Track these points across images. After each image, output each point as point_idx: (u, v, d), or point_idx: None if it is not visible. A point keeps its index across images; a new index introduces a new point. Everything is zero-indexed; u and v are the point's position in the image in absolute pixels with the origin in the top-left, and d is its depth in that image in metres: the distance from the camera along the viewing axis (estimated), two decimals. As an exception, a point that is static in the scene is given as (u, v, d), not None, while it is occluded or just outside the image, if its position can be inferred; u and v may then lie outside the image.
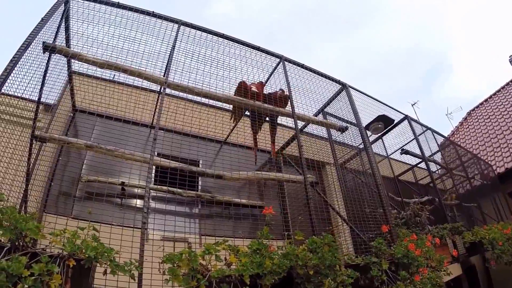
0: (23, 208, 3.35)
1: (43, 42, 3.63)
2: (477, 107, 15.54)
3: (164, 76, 4.19)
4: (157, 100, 4.49)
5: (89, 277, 2.10)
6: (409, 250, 3.98)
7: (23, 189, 3.40)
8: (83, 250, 2.05)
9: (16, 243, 1.94)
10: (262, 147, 5.69)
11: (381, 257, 3.87)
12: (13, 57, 3.13)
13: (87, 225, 2.29)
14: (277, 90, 5.20)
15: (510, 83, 14.92)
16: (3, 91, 2.96)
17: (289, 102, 5.02)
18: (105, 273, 2.17)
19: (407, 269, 3.93)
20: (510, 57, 15.01)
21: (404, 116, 8.04)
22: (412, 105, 12.09)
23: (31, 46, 3.35)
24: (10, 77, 3.01)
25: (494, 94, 15.04)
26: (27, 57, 3.30)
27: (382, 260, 3.78)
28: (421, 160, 8.33)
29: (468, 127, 14.91)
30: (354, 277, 3.34)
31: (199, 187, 5.38)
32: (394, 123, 7.79)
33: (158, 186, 4.67)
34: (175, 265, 2.41)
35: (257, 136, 5.51)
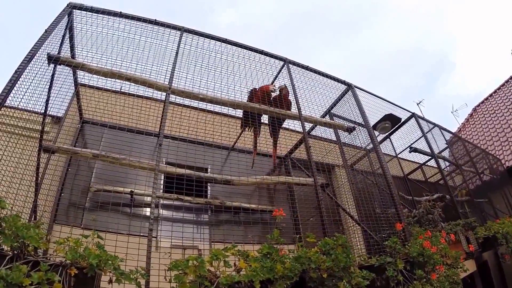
0: (32, 218, 3.31)
1: (48, 53, 3.62)
2: (482, 102, 15.37)
3: (168, 83, 4.16)
4: (163, 107, 4.47)
5: (94, 286, 2.02)
6: (425, 248, 3.86)
7: (33, 199, 3.37)
8: (86, 258, 1.97)
9: (17, 252, 1.88)
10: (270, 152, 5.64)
11: (395, 256, 3.76)
12: (17, 69, 3.10)
13: (91, 233, 2.23)
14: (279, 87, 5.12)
15: (513, 76, 14.75)
16: (9, 103, 2.93)
17: (292, 104, 4.96)
18: (110, 281, 2.09)
19: (423, 268, 3.81)
20: (512, 50, 14.87)
21: (411, 114, 7.95)
22: (418, 104, 11.97)
23: (35, 57, 3.32)
24: (15, 89, 2.98)
25: (499, 88, 14.87)
26: (31, 68, 3.28)
27: (397, 260, 3.66)
28: (430, 157, 8.23)
29: (474, 122, 14.75)
30: (369, 278, 3.23)
31: (209, 194, 5.32)
32: (401, 121, 7.70)
33: (167, 194, 4.61)
34: (182, 272, 2.32)
35: (257, 140, 5.46)
